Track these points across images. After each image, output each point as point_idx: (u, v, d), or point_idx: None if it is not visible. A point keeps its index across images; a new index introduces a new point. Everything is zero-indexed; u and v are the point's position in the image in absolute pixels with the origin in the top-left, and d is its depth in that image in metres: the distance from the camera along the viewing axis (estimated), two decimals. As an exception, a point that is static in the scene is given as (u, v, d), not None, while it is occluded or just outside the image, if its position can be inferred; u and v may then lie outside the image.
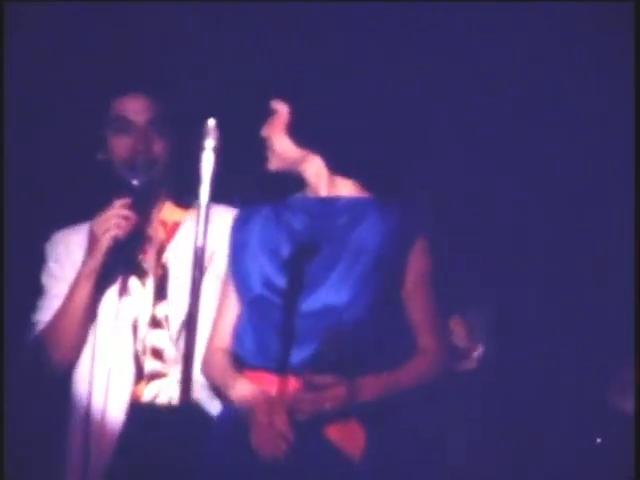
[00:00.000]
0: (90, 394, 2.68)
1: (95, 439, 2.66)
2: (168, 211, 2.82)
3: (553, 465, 3.20)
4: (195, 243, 2.17)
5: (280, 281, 2.48)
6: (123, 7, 3.34)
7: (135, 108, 2.76)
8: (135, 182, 2.68)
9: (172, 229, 2.81)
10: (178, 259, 2.75)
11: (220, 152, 2.15)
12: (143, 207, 2.71)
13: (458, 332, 3.28)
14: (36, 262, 2.85)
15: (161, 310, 2.74)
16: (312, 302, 2.44)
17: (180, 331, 2.68)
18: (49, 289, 2.80)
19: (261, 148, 2.56)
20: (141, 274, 2.77)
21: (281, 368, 2.44)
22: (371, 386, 2.39)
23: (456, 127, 3.34)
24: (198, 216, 2.14)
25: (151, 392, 2.71)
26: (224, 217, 2.69)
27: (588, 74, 3.32)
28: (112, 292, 2.74)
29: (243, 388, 2.47)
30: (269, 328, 2.47)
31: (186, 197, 2.81)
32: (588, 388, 3.27)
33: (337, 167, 2.51)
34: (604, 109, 3.30)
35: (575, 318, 3.33)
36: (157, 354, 2.72)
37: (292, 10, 3.30)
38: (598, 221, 3.34)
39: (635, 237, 3.06)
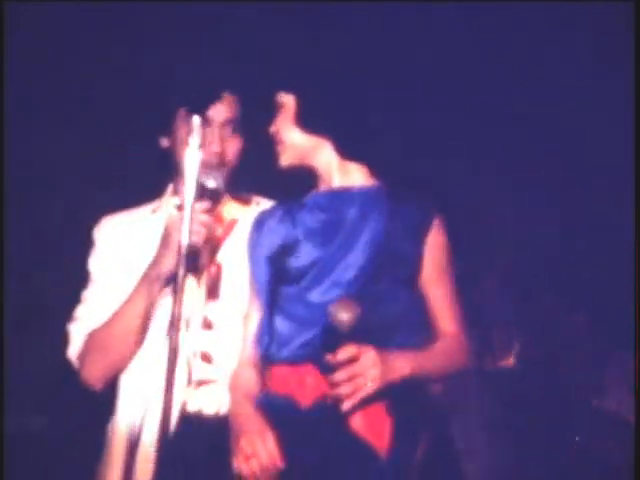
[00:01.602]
0: (137, 400, 2.55)
1: (140, 447, 2.52)
2: (226, 208, 2.69)
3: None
4: (181, 240, 2.15)
5: (295, 277, 2.46)
6: (123, 7, 3.34)
7: (216, 106, 2.61)
8: (212, 184, 2.50)
9: (229, 226, 2.68)
10: (234, 258, 2.62)
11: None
12: (214, 209, 2.52)
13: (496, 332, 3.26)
14: (84, 247, 2.69)
15: (213, 311, 2.60)
16: (327, 293, 2.41)
17: (230, 335, 2.56)
18: (97, 279, 2.63)
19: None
20: (196, 272, 2.59)
21: (302, 359, 2.38)
22: (402, 358, 2.32)
23: (458, 116, 3.34)
24: (184, 214, 2.13)
25: (200, 398, 2.56)
26: None
27: (588, 74, 3.32)
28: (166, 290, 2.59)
29: (239, 414, 2.42)
30: (284, 323, 2.45)
31: (244, 194, 2.73)
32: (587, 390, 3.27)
33: (347, 151, 2.50)
34: (604, 108, 3.30)
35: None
36: (207, 358, 2.57)
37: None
38: (598, 221, 3.34)
39: (635, 237, 3.06)
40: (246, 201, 2.73)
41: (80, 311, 2.63)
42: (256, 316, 2.51)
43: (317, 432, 2.31)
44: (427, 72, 3.29)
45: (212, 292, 2.62)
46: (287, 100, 2.50)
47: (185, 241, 2.13)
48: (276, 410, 2.37)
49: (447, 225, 2.46)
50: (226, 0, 3.33)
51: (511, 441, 3.17)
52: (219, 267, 2.64)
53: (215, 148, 2.59)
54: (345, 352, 2.25)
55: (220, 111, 2.62)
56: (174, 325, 2.17)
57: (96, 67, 3.41)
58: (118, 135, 3.38)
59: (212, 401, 2.57)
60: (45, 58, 3.39)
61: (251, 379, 2.46)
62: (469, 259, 2.52)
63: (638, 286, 3.13)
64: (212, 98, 2.62)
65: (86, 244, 2.67)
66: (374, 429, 2.32)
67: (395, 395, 2.32)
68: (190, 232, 2.38)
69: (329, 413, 2.29)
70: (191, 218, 2.38)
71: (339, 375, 2.25)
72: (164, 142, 2.65)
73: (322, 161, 2.51)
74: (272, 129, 2.51)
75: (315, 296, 2.43)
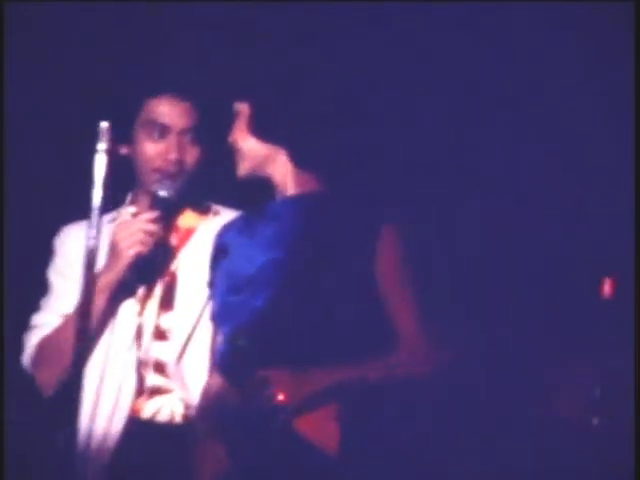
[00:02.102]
0: (91, 406, 2.57)
1: (92, 453, 2.55)
2: (183, 216, 2.71)
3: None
4: (86, 245, 2.16)
5: (245, 286, 2.48)
6: (123, 7, 3.35)
7: (174, 113, 2.64)
8: (163, 194, 2.56)
9: (185, 235, 2.70)
10: (189, 267, 2.64)
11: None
12: (167, 219, 2.59)
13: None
14: (42, 257, 2.75)
15: (166, 321, 2.62)
16: (274, 300, 2.43)
17: (184, 345, 2.58)
18: (55, 287, 2.67)
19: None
20: (149, 281, 2.63)
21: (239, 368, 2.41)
22: (316, 375, 2.34)
23: (439, 120, 3.33)
24: (91, 219, 2.14)
25: (152, 408, 2.59)
26: None
27: (588, 74, 3.30)
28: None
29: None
30: (231, 331, 2.47)
31: (203, 203, 2.74)
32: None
33: (301, 160, 2.51)
34: (604, 109, 3.29)
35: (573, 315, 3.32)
36: (160, 368, 2.60)
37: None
38: (598, 221, 3.33)
39: (635, 238, 3.05)
40: (205, 211, 2.73)
41: (36, 319, 2.65)
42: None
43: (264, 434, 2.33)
44: (389, 75, 3.28)
45: (166, 302, 2.61)
46: (243, 108, 2.51)
47: (91, 244, 2.15)
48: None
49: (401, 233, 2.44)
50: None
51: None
52: (174, 277, 2.63)
53: (173, 156, 2.59)
54: (255, 380, 2.31)
55: (179, 118, 2.62)
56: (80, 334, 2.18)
57: (96, 67, 3.41)
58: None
59: (165, 409, 2.58)
60: (45, 58, 3.39)
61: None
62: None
63: (638, 288, 3.12)
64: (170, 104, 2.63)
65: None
66: (322, 432, 2.35)
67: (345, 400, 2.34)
68: (136, 241, 2.44)
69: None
70: (136, 227, 2.46)
71: (254, 404, 2.30)
72: (123, 149, 2.65)
73: (277, 170, 2.52)
74: (229, 139, 2.52)
75: (258, 302, 2.42)
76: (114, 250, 2.50)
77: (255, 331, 2.41)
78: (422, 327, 2.42)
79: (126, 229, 2.51)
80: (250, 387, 2.32)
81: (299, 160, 2.50)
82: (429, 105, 3.31)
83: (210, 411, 2.43)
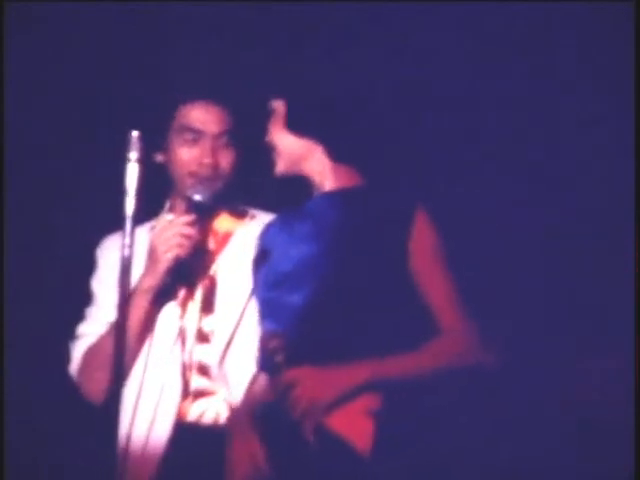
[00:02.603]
0: (135, 411, 2.59)
1: (137, 458, 2.56)
2: (221, 220, 2.75)
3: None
4: (121, 254, 2.20)
5: (283, 282, 2.50)
6: (124, 7, 3.34)
7: (208, 118, 2.67)
8: (198, 197, 2.59)
9: (223, 239, 2.73)
10: (228, 271, 2.68)
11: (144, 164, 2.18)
12: (204, 222, 2.62)
13: None
14: (87, 268, 2.79)
15: (208, 324, 2.65)
16: (312, 295, 2.44)
17: (226, 347, 2.61)
18: (98, 297, 2.71)
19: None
20: (190, 285, 2.67)
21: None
22: (350, 370, 2.33)
23: (451, 118, 3.33)
24: (125, 228, 2.18)
25: (197, 410, 2.61)
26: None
27: (588, 74, 3.31)
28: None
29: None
30: (274, 327, 2.48)
31: (240, 207, 2.78)
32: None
33: (338, 154, 2.52)
34: (604, 110, 3.29)
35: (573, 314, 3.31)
36: (204, 371, 2.62)
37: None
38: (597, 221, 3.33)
39: (635, 238, 3.05)
40: (241, 214, 2.76)
41: (82, 328, 2.68)
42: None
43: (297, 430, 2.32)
44: (419, 72, 3.28)
45: (206, 305, 2.64)
46: (278, 106, 2.52)
47: (126, 253, 2.19)
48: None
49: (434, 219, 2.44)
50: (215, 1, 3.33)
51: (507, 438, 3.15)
52: (213, 280, 2.66)
53: (208, 160, 2.61)
54: (282, 382, 2.32)
55: (212, 123, 2.65)
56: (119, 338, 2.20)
57: (97, 68, 3.41)
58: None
59: (210, 412, 2.60)
60: (45, 58, 3.39)
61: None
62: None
63: (638, 290, 3.11)
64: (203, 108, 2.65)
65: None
66: (356, 428, 2.33)
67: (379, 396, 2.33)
68: (173, 245, 2.47)
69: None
70: (174, 231, 2.48)
71: (286, 405, 2.29)
72: (159, 157, 2.68)
73: (314, 166, 2.54)
74: (266, 138, 2.54)
75: (296, 298, 2.43)
76: (153, 254, 2.53)
77: (293, 327, 2.41)
78: (463, 314, 2.42)
79: (163, 233, 2.54)
80: (279, 388, 2.32)
81: (335, 155, 2.51)
82: (461, 95, 3.31)
83: (250, 410, 2.44)
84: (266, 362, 2.41)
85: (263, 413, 2.40)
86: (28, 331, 3.30)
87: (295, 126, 2.51)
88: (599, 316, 3.25)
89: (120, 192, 2.32)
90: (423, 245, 2.43)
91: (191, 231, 2.54)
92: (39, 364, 3.25)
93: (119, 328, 2.20)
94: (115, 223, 2.68)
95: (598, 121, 3.31)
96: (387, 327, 2.40)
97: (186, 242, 2.53)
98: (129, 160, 2.21)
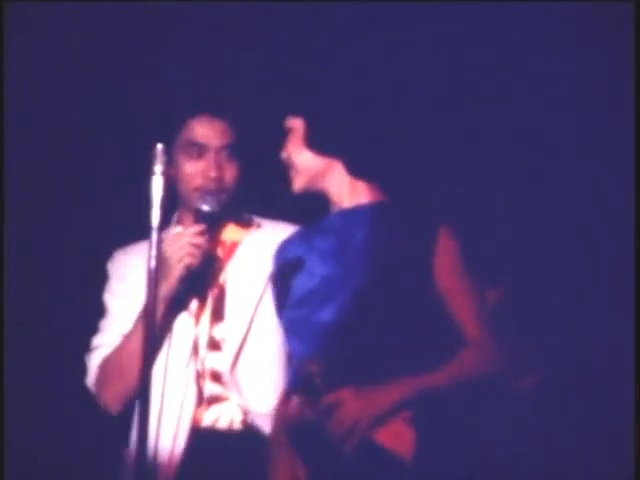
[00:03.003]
0: (151, 418, 2.55)
1: (154, 464, 2.58)
2: (228, 230, 2.80)
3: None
4: (148, 265, 2.23)
5: (307, 300, 2.51)
6: (124, 7, 3.33)
7: (211, 133, 2.72)
8: (206, 208, 2.64)
9: (231, 249, 2.78)
10: (236, 279, 2.73)
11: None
12: (212, 232, 2.67)
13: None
14: (98, 281, 2.83)
15: (219, 332, 2.70)
16: (339, 313, 2.46)
17: (237, 354, 2.66)
18: (111, 309, 2.76)
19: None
20: (201, 294, 2.72)
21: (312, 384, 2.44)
22: (388, 388, 2.38)
23: (464, 125, 3.34)
24: (151, 240, 2.21)
25: (211, 416, 2.66)
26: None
27: (588, 74, 3.31)
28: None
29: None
30: (301, 346, 2.51)
31: (245, 216, 2.82)
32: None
33: (357, 171, 2.53)
34: (604, 109, 3.30)
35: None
36: (216, 377, 2.68)
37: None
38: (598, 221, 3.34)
39: (635, 238, 3.06)
40: (247, 224, 2.81)
41: (96, 340, 2.72)
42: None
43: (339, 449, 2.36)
44: (436, 87, 3.29)
45: (217, 313, 2.70)
46: (296, 124, 2.53)
47: (152, 265, 2.22)
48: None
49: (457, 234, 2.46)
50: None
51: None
52: (222, 289, 2.72)
53: (213, 174, 2.66)
54: (323, 403, 2.36)
55: (216, 137, 2.70)
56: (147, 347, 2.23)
57: (97, 68, 3.40)
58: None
59: (225, 417, 2.66)
60: (45, 58, 3.38)
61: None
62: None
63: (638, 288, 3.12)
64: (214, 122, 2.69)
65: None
66: (397, 438, 2.38)
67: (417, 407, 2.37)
68: (185, 254, 2.52)
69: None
70: (185, 241, 2.54)
71: (329, 426, 2.34)
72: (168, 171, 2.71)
73: (333, 183, 2.54)
74: (283, 154, 2.55)
75: (324, 316, 2.45)
76: (165, 264, 2.56)
77: (323, 346, 2.44)
78: (487, 325, 2.46)
79: (175, 243, 2.59)
80: (320, 409, 2.34)
81: (356, 171, 2.52)
82: (477, 109, 3.32)
83: (288, 430, 2.48)
84: (303, 384, 2.43)
85: (300, 432, 2.44)
86: (28, 332, 3.29)
87: (317, 144, 2.53)
88: (599, 316, 3.27)
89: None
90: (447, 260, 2.45)
91: (201, 241, 2.60)
92: (41, 366, 3.25)
93: (147, 338, 2.23)
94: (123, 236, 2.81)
95: (598, 121, 3.32)
96: (415, 343, 2.43)
97: (196, 251, 2.59)
98: (154, 173, 2.24)
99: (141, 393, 2.22)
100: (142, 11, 3.31)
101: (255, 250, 2.75)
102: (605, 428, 3.19)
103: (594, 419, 3.19)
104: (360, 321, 2.43)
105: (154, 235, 2.22)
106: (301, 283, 2.52)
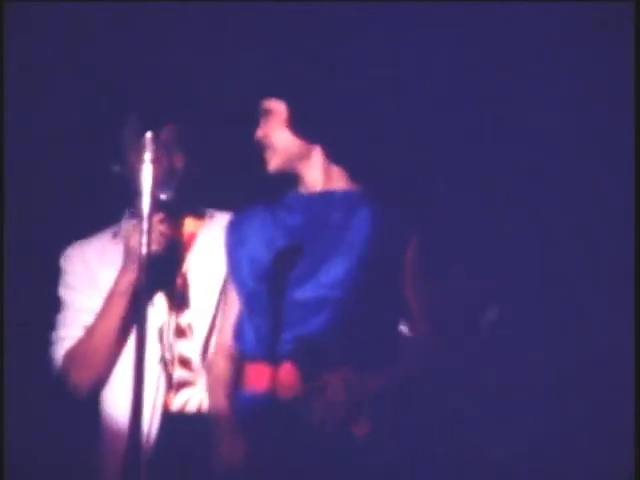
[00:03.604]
0: (121, 405, 2.67)
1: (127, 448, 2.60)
2: (184, 223, 2.87)
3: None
4: (139, 252, 2.25)
5: (275, 275, 2.54)
6: (124, 7, 3.33)
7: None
8: (164, 196, 2.70)
9: (189, 240, 2.85)
10: (198, 268, 2.81)
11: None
12: (171, 221, 2.76)
13: None
14: (48, 277, 2.90)
15: (185, 319, 2.79)
16: (305, 294, 2.50)
17: (206, 339, 2.75)
18: (70, 303, 2.84)
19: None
20: (165, 283, 2.79)
21: (277, 358, 2.49)
22: (374, 375, 2.43)
23: (452, 124, 3.34)
24: (142, 228, 2.23)
25: (180, 400, 2.76)
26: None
27: (588, 74, 3.31)
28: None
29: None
30: (264, 321, 2.54)
31: (199, 209, 2.90)
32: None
33: (338, 156, 2.54)
34: (604, 109, 3.30)
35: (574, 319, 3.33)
36: (185, 363, 2.77)
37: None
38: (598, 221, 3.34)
39: (635, 238, 3.06)
40: (201, 216, 2.88)
41: (59, 333, 2.82)
42: (234, 311, 2.61)
43: (297, 427, 2.41)
44: (420, 76, 3.29)
45: (182, 302, 2.78)
46: (277, 106, 2.54)
47: (144, 251, 2.24)
48: (256, 408, 2.48)
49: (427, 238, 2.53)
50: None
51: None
52: (185, 277, 2.80)
53: (164, 164, 2.65)
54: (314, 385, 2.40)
55: (165, 129, 2.74)
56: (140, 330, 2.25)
57: (97, 68, 3.40)
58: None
59: (194, 401, 2.74)
60: (45, 58, 3.38)
61: (226, 371, 2.59)
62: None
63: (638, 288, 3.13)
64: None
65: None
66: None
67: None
68: (150, 241, 2.44)
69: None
70: (149, 228, 2.44)
71: (314, 406, 2.38)
72: (115, 168, 2.79)
73: (309, 166, 2.57)
74: (259, 134, 2.57)
75: (298, 295, 2.48)
76: (130, 252, 2.66)
77: (295, 323, 2.48)
78: (431, 323, 2.53)
79: (138, 232, 2.54)
80: (310, 389, 2.38)
81: (334, 157, 2.54)
82: (463, 98, 3.32)
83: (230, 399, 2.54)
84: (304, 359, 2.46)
85: (253, 405, 2.49)
86: (28, 332, 3.29)
87: (299, 128, 2.54)
88: (600, 317, 3.27)
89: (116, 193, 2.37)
90: (413, 266, 2.52)
91: (164, 228, 2.68)
92: (41, 366, 3.25)
93: (139, 326, 2.25)
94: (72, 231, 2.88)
95: (598, 122, 3.32)
96: (379, 334, 2.48)
97: (161, 239, 2.67)
98: (144, 161, 2.24)
99: (137, 383, 2.24)
100: (142, 11, 3.31)
101: (213, 239, 2.80)
102: (605, 428, 3.19)
103: (594, 419, 3.20)
104: (332, 297, 2.48)
105: (145, 223, 2.23)
106: (261, 256, 2.57)
